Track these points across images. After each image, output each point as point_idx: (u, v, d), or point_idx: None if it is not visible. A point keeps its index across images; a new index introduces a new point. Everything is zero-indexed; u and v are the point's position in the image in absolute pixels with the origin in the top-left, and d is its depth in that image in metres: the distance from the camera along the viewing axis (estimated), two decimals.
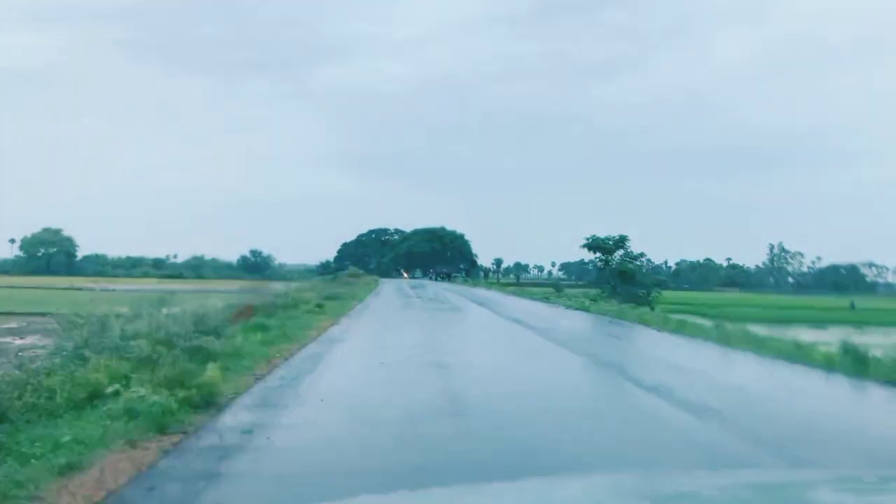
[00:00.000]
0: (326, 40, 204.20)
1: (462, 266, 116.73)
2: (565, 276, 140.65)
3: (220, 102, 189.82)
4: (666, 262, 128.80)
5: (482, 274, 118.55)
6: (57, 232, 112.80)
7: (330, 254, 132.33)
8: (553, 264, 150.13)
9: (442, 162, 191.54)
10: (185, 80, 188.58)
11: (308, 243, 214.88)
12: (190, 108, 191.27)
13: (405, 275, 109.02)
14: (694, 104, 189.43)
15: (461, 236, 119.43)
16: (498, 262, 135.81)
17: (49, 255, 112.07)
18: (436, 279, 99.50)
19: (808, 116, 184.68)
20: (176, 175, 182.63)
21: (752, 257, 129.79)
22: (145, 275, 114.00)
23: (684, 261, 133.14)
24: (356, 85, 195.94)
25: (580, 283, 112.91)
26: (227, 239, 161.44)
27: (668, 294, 76.25)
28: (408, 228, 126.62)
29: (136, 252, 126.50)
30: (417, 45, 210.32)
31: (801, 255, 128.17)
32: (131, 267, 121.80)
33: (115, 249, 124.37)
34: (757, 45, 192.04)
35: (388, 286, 54.72)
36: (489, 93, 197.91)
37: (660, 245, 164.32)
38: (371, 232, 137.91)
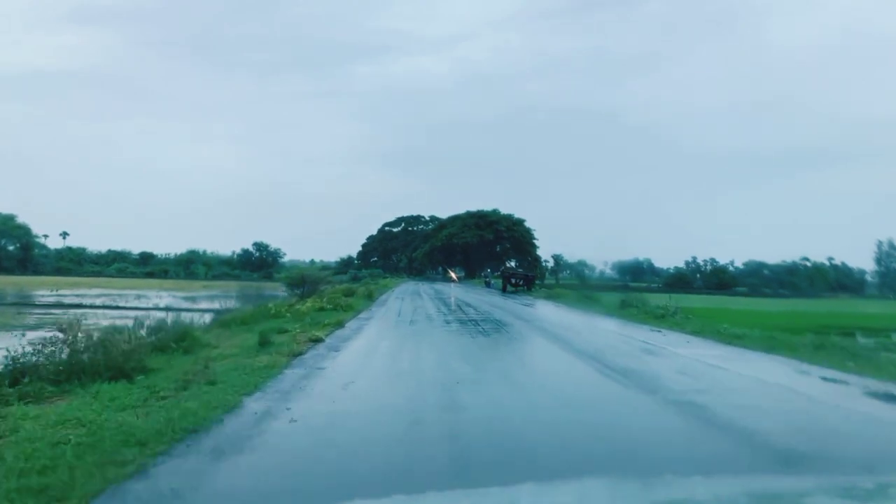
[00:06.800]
0: (361, 37, 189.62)
1: (514, 263, 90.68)
2: (618, 277, 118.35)
3: (252, 100, 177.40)
4: (732, 262, 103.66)
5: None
6: (9, 219, 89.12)
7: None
8: (605, 263, 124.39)
9: (481, 158, 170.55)
10: (219, 78, 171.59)
11: (343, 240, 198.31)
12: (222, 105, 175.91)
13: (453, 276, 79.91)
14: (766, 96, 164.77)
15: (520, 222, 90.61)
16: (557, 258, 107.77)
17: None
18: (503, 291, 43.04)
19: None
20: (202, 174, 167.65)
21: (842, 255, 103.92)
22: (120, 272, 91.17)
23: (754, 261, 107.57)
24: (393, 82, 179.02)
25: (654, 286, 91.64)
26: (255, 237, 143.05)
27: (780, 304, 51.58)
28: (445, 216, 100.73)
29: (158, 250, 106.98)
30: (455, 41, 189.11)
31: None
32: (110, 262, 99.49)
33: (129, 245, 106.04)
34: (846, 26, 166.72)
35: (377, 330, 16.13)
36: (528, 88, 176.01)
37: (721, 243, 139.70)
38: (400, 220, 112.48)
